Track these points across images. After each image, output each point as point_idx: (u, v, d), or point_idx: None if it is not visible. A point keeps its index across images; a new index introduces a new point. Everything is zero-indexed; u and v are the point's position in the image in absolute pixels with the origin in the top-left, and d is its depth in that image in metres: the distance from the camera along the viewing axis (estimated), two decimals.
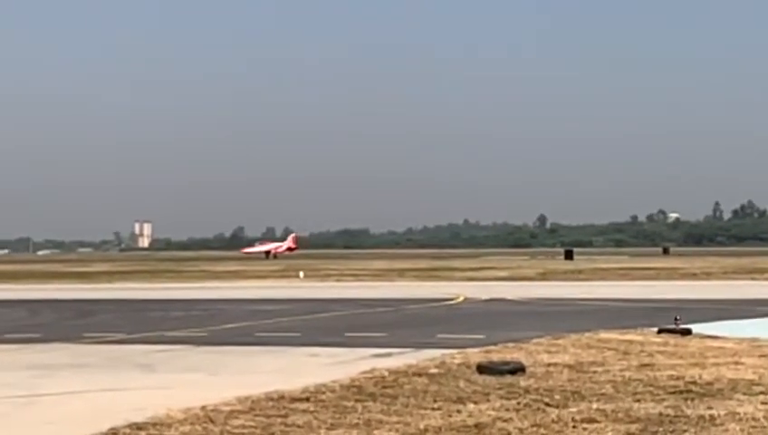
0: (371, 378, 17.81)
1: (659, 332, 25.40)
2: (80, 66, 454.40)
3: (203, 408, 14.81)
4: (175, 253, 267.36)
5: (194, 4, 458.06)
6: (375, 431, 13.35)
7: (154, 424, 13.80)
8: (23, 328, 31.69)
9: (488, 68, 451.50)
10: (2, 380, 19.19)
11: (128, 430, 13.53)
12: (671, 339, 24.06)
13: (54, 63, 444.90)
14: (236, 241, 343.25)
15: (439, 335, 26.90)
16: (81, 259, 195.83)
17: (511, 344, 23.09)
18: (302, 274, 79.67)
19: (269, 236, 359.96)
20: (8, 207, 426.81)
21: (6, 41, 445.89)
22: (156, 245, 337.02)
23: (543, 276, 73.61)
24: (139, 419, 14.12)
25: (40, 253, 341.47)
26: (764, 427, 13.30)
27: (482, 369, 18.17)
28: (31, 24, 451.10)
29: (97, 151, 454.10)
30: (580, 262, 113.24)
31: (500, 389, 16.32)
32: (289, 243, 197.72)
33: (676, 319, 25.84)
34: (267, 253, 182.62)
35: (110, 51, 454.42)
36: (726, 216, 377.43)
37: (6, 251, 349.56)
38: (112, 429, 13.61)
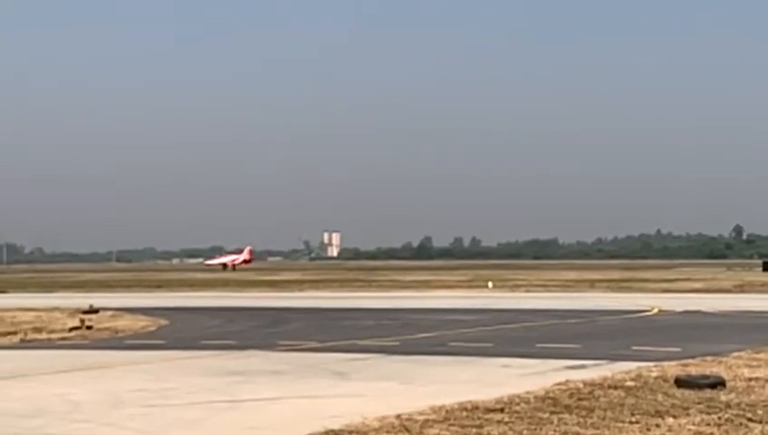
0: (566, 390, 17.62)
1: None
2: (265, 74, 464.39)
3: (398, 416, 14.90)
4: (364, 262, 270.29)
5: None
6: None
7: (350, 432, 13.96)
8: (220, 335, 32.57)
9: (675, 76, 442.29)
10: (202, 385, 19.75)
11: None
12: None
13: (238, 73, 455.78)
14: (424, 251, 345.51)
15: (634, 347, 26.41)
16: (272, 268, 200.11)
17: (709, 358, 22.58)
18: (490, 284, 79.70)
19: (457, 247, 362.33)
20: (200, 217, 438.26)
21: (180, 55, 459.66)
22: (344, 254, 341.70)
23: (741, 288, 71.65)
24: (336, 426, 14.30)
25: None
26: None
27: (680, 382, 17.77)
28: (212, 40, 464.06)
29: (287, 162, 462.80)
30: None
31: (699, 403, 15.92)
32: (245, 255, 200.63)
33: None
34: (224, 265, 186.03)
35: (299, 52, 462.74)
36: None
37: (200, 260, 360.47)
38: None
